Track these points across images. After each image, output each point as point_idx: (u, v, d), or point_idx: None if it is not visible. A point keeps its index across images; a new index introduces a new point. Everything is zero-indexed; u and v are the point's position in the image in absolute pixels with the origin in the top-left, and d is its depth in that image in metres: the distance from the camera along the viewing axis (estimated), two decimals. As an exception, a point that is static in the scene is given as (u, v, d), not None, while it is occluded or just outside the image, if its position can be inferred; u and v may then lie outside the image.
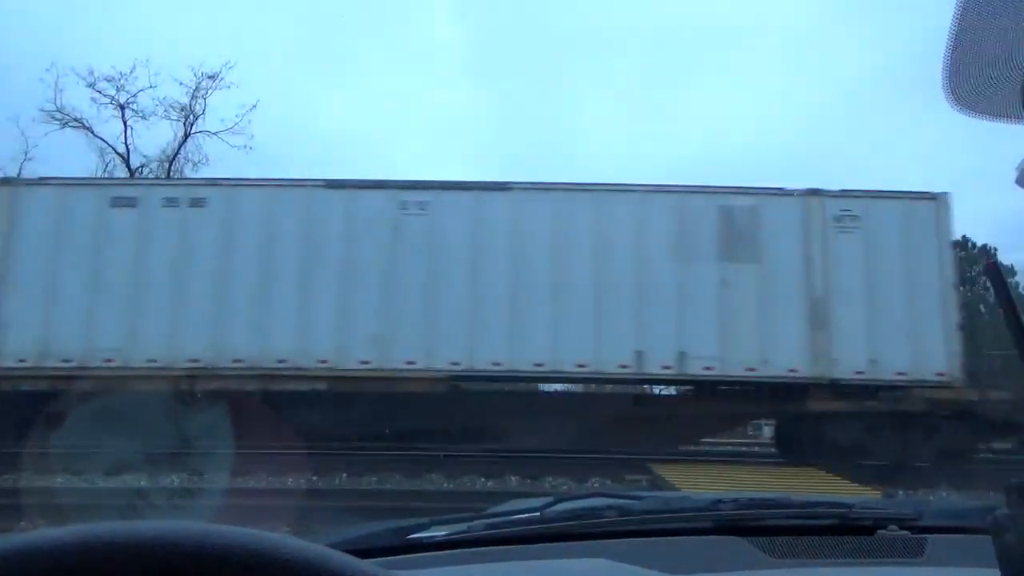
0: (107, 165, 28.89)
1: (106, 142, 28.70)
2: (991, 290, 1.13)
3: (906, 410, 12.97)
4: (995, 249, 40.29)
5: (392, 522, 1.73)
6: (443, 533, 1.61)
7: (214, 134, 28.85)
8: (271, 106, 50.31)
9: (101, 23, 46.06)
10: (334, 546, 1.54)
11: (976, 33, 0.76)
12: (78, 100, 30.12)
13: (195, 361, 13.27)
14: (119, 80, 27.77)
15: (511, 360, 13.41)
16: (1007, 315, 0.96)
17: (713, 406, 14.35)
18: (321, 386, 13.30)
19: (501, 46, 77.15)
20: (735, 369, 13.25)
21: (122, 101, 28.12)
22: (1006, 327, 0.97)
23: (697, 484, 10.72)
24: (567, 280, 13.55)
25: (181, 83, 28.65)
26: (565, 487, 11.66)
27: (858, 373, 13.15)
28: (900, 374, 13.08)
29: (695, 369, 13.31)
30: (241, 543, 0.63)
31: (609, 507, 1.70)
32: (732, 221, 13.61)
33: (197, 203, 13.98)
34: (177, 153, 29.30)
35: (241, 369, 13.26)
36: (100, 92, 27.68)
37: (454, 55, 70.14)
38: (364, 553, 1.48)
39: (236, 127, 28.54)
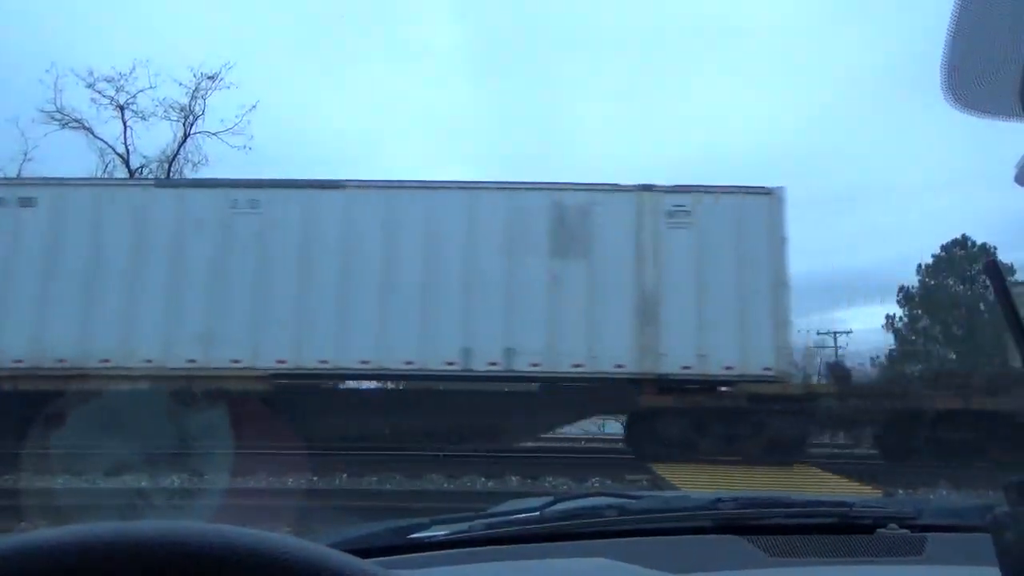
0: (107, 166, 28.40)
1: (106, 143, 28.19)
2: (990, 288, 1.15)
3: (736, 406, 13.28)
4: (995, 248, 42.46)
5: (392, 522, 1.71)
6: (443, 533, 1.60)
7: (214, 134, 28.52)
8: (271, 107, 50.22)
9: (101, 24, 44.92)
10: (334, 546, 1.48)
11: (974, 31, 0.76)
12: (78, 101, 29.88)
13: (18, 362, 12.96)
14: (119, 81, 27.32)
15: (337, 358, 13.32)
16: (1006, 313, 0.98)
17: (546, 402, 14.46)
18: (144, 385, 12.97)
19: (499, 46, 76.35)
20: (562, 365, 13.35)
21: (122, 102, 27.66)
22: (1005, 325, 1.02)
23: (697, 484, 10.69)
24: (396, 278, 13.52)
25: (181, 84, 28.33)
26: (565, 487, 11.61)
27: (685, 368, 13.35)
28: (728, 369, 13.36)
29: (522, 366, 13.36)
30: (241, 543, 0.63)
31: (609, 506, 1.71)
32: (564, 217, 13.74)
33: (26, 203, 13.61)
34: (177, 154, 28.91)
35: (64, 369, 12.88)
36: (100, 93, 27.17)
37: (452, 55, 69.47)
38: (364, 553, 1.44)
39: (236, 127, 28.26)
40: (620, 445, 16.62)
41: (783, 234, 13.90)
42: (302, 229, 13.62)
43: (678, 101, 75.52)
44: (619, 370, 13.38)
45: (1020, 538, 0.87)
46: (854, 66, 70.51)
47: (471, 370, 13.53)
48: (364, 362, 13.33)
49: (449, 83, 67.63)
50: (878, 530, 1.59)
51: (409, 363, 13.34)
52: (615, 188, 14.18)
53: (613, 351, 13.37)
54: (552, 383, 14.24)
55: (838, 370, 16.09)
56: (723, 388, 13.72)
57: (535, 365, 13.38)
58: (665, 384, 13.50)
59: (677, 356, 13.38)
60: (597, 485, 11.79)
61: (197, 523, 0.64)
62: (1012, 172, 0.87)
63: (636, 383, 13.50)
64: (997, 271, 1.07)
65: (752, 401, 13.21)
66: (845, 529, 1.61)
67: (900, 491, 10.68)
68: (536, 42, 73.79)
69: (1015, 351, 1.00)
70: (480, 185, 14.14)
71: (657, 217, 13.84)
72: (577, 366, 13.37)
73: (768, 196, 14.15)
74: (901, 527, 1.59)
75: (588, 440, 19.75)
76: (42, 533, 0.62)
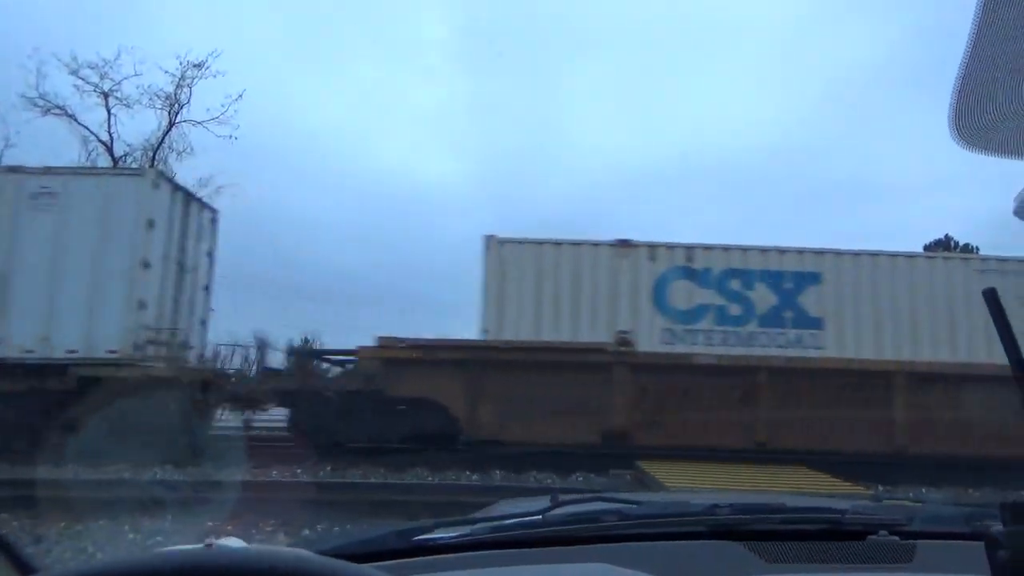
0: (90, 153, 28.28)
1: (89, 130, 28.04)
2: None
3: (65, 388, 12.90)
4: (976, 248, 43.10)
5: (397, 525, 1.76)
6: (448, 536, 1.64)
7: (199, 123, 28.60)
8: (258, 97, 50.64)
9: (84, 9, 44.64)
10: (340, 550, 1.53)
11: (983, 78, 0.79)
12: (61, 87, 28.72)
13: None
14: (103, 67, 27.35)
15: None
16: (1003, 339, 1.03)
17: None
18: None
19: (489, 41, 76.62)
20: None
21: (106, 89, 27.57)
22: (1004, 350, 1.04)
23: (681, 480, 10.75)
24: None
25: (166, 71, 28.56)
26: (549, 480, 11.81)
27: (28, 352, 13.20)
28: (71, 352, 13.21)
29: None
30: (264, 562, 0.64)
31: (609, 511, 1.74)
32: None
33: None
34: (162, 142, 29.07)
35: None
36: (83, 79, 27.22)
37: (441, 50, 70.90)
38: (371, 557, 1.48)
39: (222, 117, 28.35)
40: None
41: (150, 216, 13.87)
42: None
43: (669, 97, 76.05)
44: None
45: (1014, 557, 0.91)
46: (841, 65, 71.04)
47: None
48: None
49: (437, 77, 68.16)
50: (869, 537, 1.61)
51: None
52: None
53: None
54: None
55: None
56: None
57: None
58: (7, 369, 13.18)
59: (21, 340, 13.25)
60: (581, 480, 11.87)
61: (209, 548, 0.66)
62: (1012, 205, 0.91)
63: None
64: (995, 298, 1.09)
65: (86, 384, 12.96)
66: (837, 535, 1.64)
67: (881, 488, 10.84)
68: (525, 37, 74.09)
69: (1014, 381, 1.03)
70: None
71: (20, 199, 13.65)
72: None
73: (138, 178, 14.32)
74: (892, 534, 1.62)
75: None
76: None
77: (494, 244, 14.96)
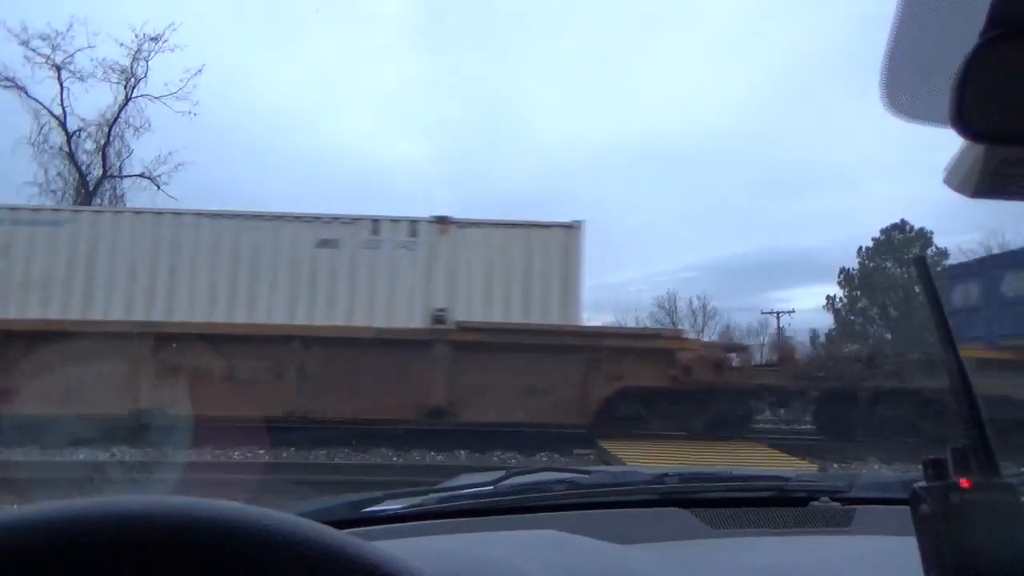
0: (42, 128, 27.68)
1: (41, 104, 27.44)
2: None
3: None
4: (931, 232, 43.43)
5: (347, 496, 1.75)
6: (398, 507, 1.65)
7: (157, 99, 27.97)
8: (217, 72, 49.17)
9: None
10: None
11: (913, 43, 0.81)
12: (10, 59, 27.86)
13: None
14: (55, 39, 26.65)
15: None
16: (931, 307, 1.07)
17: None
18: None
19: (444, 19, 76.91)
20: None
21: (58, 61, 27.00)
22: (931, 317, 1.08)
23: (642, 459, 10.76)
24: None
25: (121, 44, 27.80)
26: (513, 460, 11.71)
27: None
28: None
29: None
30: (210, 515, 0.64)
31: (559, 481, 1.77)
32: None
33: None
34: (117, 117, 28.33)
35: None
36: (34, 51, 26.57)
37: (396, 26, 70.66)
38: None
39: (180, 92, 27.77)
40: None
41: None
42: None
43: (628, 78, 76.30)
44: None
45: (935, 510, 0.94)
46: (799, 50, 72.57)
47: None
48: None
49: (396, 56, 67.63)
50: (811, 503, 1.67)
51: None
52: None
53: None
54: None
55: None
56: None
57: None
58: None
59: None
60: (545, 459, 11.93)
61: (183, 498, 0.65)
62: (941, 173, 0.94)
63: None
64: (924, 266, 1.14)
65: None
66: (781, 502, 1.69)
67: (834, 465, 11.07)
68: (483, 15, 73.98)
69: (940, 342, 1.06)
70: None
71: None
72: None
73: None
74: (832, 500, 1.68)
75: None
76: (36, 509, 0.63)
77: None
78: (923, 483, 0.97)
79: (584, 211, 41.01)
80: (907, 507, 1.00)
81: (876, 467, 11.80)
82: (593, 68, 76.25)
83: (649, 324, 40.83)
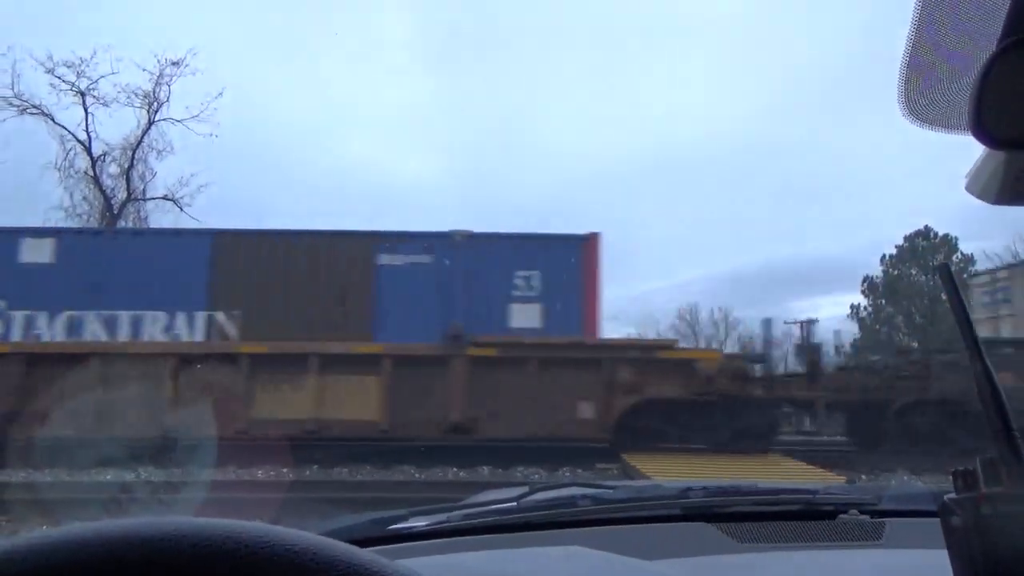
0: (68, 153, 28.14)
1: (67, 129, 27.81)
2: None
3: None
4: (956, 238, 43.28)
5: (372, 514, 1.74)
6: (423, 524, 1.64)
7: (179, 122, 28.34)
8: (237, 95, 50.25)
9: (59, 6, 43.04)
10: None
11: (931, 51, 0.81)
12: (37, 86, 28.56)
13: None
14: (79, 66, 27.03)
15: None
16: (957, 315, 1.05)
17: None
18: None
19: (453, 38, 77.86)
20: None
21: (83, 87, 27.36)
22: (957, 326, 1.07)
23: (666, 472, 10.67)
24: None
25: (144, 69, 28.56)
26: (536, 475, 11.67)
27: None
28: None
29: None
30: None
31: (583, 496, 1.76)
32: None
33: None
34: (141, 141, 28.77)
35: None
36: (60, 78, 26.95)
37: (406, 50, 71.03)
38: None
39: (202, 115, 28.08)
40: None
41: None
42: None
43: (639, 93, 76.23)
44: None
45: (966, 522, 0.92)
46: (822, 57, 71.94)
47: None
48: None
49: (407, 75, 68.21)
50: (840, 516, 1.65)
51: None
52: None
53: None
54: None
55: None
56: None
57: None
58: None
59: None
60: (568, 475, 11.87)
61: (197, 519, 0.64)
62: (963, 181, 0.93)
63: None
64: (949, 274, 1.12)
65: None
66: (809, 515, 1.67)
67: (863, 477, 10.94)
68: (494, 34, 74.26)
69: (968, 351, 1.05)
70: None
71: None
72: None
73: None
74: (861, 513, 1.65)
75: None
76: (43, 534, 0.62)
77: None
78: (953, 495, 0.96)
79: (603, 224, 40.89)
80: (937, 519, 0.99)
81: (905, 478, 11.66)
82: (607, 81, 76.29)
83: (670, 336, 40.59)
